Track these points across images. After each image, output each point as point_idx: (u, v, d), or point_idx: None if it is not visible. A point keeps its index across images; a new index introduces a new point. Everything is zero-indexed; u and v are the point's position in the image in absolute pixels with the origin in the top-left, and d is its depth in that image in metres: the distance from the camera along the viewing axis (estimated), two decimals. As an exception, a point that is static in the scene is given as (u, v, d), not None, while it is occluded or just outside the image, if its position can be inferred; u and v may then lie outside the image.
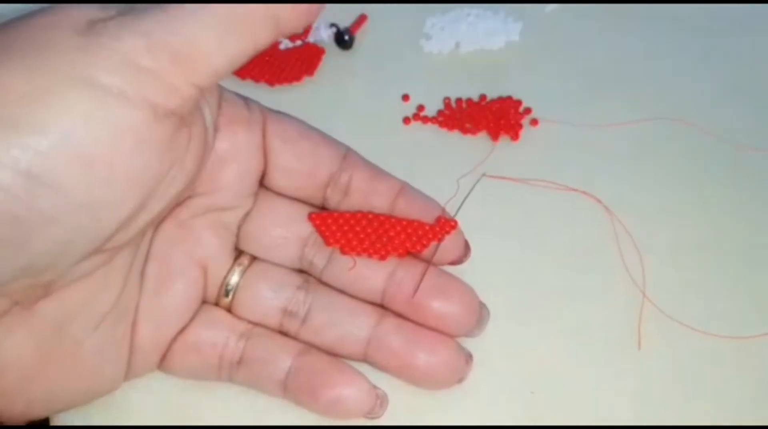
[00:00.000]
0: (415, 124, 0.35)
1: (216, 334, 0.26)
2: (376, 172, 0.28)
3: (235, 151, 0.26)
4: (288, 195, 0.28)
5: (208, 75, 0.21)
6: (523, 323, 0.29)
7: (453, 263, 0.28)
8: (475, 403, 0.27)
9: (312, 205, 0.28)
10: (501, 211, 0.32)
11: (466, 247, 0.28)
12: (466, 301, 0.27)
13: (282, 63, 0.36)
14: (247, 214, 0.27)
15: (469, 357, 0.27)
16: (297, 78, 0.36)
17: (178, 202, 0.26)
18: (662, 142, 0.34)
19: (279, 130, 0.27)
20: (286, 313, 0.27)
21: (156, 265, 0.26)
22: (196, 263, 0.26)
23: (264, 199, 0.28)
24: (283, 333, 0.27)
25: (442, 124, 0.35)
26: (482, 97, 0.35)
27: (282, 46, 0.37)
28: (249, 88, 0.36)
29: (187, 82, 0.21)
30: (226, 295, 0.27)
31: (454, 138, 0.34)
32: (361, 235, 0.27)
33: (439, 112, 0.35)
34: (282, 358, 0.26)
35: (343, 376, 0.26)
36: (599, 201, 0.32)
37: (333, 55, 0.37)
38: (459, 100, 0.35)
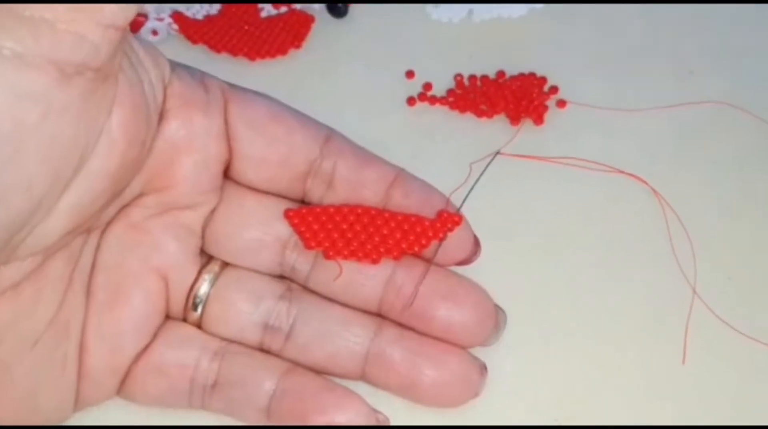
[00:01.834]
0: (421, 106, 0.33)
1: (185, 354, 0.25)
2: (366, 157, 0.26)
3: (190, 139, 0.24)
4: (261, 189, 0.26)
5: (117, 9, 0.19)
6: (544, 332, 0.28)
7: (460, 264, 0.27)
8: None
9: (291, 199, 0.27)
10: (519, 198, 0.31)
11: (475, 245, 0.27)
12: (477, 306, 0.26)
13: (264, 33, 0.34)
14: (212, 213, 0.26)
15: (483, 369, 0.26)
16: (282, 51, 0.34)
17: (124, 201, 0.24)
18: (713, 130, 0.33)
19: (244, 112, 0.25)
20: (267, 328, 0.26)
21: (106, 275, 0.24)
22: (154, 272, 0.25)
23: (232, 194, 0.26)
24: (265, 351, 0.26)
25: (452, 105, 0.33)
26: (500, 73, 0.34)
27: (264, 14, 0.35)
28: (224, 64, 0.33)
29: (92, 22, 0.19)
30: (195, 308, 0.26)
31: (466, 121, 0.33)
32: (349, 235, 0.25)
33: (450, 92, 0.33)
34: (264, 379, 0.25)
35: (336, 398, 0.25)
36: (645, 182, 0.31)
37: (324, 23, 0.35)
38: (473, 78, 0.34)
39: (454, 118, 0.33)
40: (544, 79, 0.33)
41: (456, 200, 0.27)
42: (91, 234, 0.24)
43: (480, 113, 0.33)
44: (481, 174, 0.29)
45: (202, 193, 0.25)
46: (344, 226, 0.26)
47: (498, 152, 0.30)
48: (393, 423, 0.25)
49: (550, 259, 0.29)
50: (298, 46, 0.34)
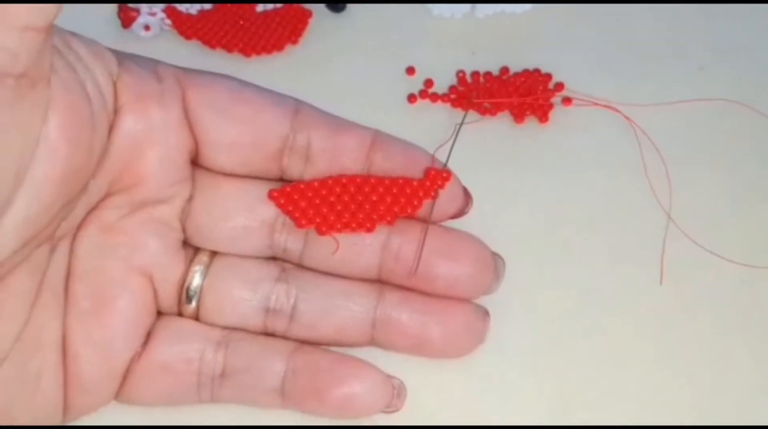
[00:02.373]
0: (423, 103, 0.33)
1: (187, 347, 0.25)
2: (339, 124, 0.26)
3: (150, 132, 0.24)
4: (237, 173, 0.26)
5: (32, 9, 0.19)
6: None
7: (454, 217, 0.27)
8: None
9: (270, 180, 0.26)
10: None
11: (466, 196, 0.27)
12: (477, 258, 0.26)
13: (260, 28, 0.33)
14: (189, 204, 0.26)
15: (486, 315, 0.26)
16: (278, 47, 0.33)
17: (91, 204, 0.24)
18: (722, 127, 0.32)
19: (205, 97, 0.25)
20: (269, 312, 0.26)
21: (86, 282, 0.24)
22: (137, 272, 0.25)
23: (207, 182, 0.26)
24: (269, 334, 0.26)
25: (454, 102, 0.33)
26: (504, 70, 0.33)
27: (260, 8, 0.34)
28: (219, 60, 0.33)
29: (4, 27, 0.18)
30: (189, 301, 0.26)
31: (469, 120, 0.32)
32: (338, 207, 0.25)
33: (452, 89, 0.33)
34: (273, 361, 0.25)
35: (350, 369, 0.25)
36: (618, 111, 0.31)
37: (322, 18, 0.35)
38: (475, 74, 0.33)
39: (456, 117, 0.32)
40: (549, 76, 0.33)
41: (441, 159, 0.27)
42: (60, 242, 0.24)
43: (483, 111, 0.32)
44: (460, 125, 0.29)
45: (171, 185, 0.25)
46: (332, 199, 0.25)
47: (471, 99, 0.31)
48: (407, 382, 0.26)
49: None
50: (295, 42, 0.34)
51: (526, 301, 0.28)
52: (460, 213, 0.27)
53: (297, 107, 0.26)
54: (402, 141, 0.27)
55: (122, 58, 0.24)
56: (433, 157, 0.26)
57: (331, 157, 0.26)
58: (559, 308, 0.28)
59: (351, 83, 0.33)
